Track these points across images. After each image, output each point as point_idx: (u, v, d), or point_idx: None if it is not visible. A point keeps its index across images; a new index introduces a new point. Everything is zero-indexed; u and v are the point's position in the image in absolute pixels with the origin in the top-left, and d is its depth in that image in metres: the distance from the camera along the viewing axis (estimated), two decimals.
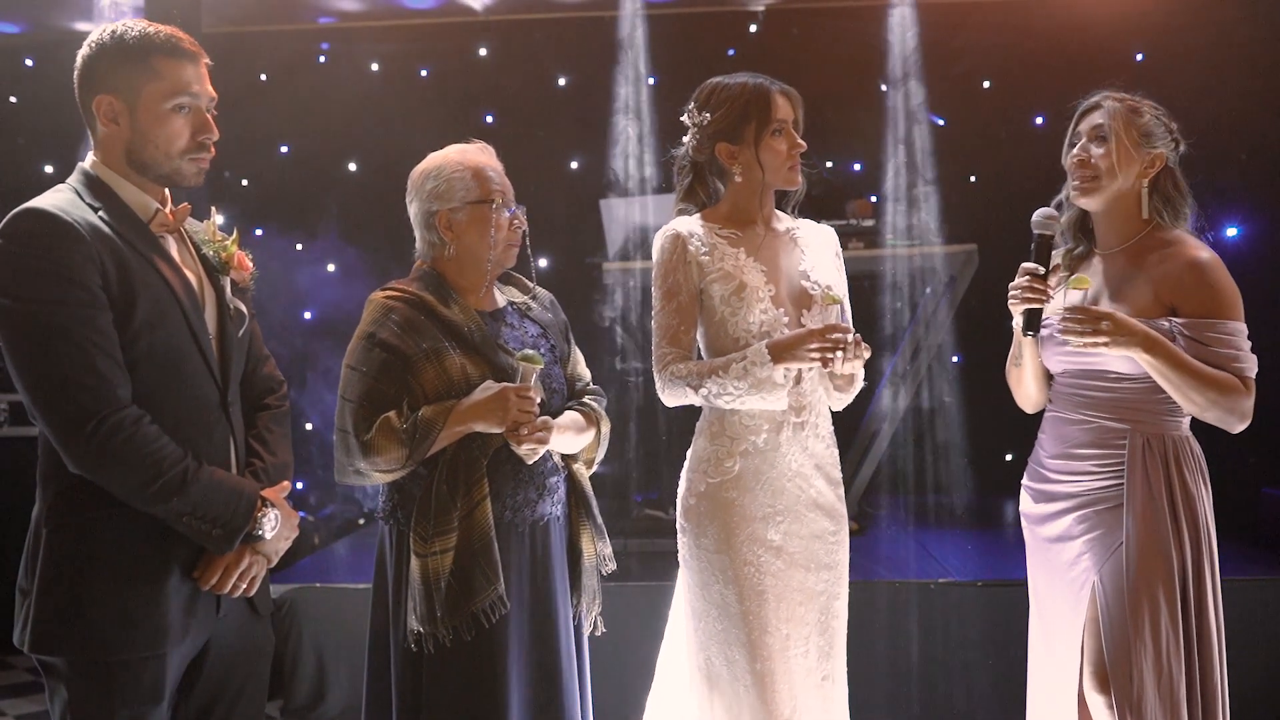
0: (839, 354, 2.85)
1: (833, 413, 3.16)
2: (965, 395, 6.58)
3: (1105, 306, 2.93)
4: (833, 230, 3.25)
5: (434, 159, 2.96)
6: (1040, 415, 3.24)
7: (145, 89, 2.39)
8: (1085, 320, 2.82)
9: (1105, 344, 2.81)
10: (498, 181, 2.94)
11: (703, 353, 3.08)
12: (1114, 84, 3.06)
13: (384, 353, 2.80)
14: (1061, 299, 2.97)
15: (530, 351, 2.81)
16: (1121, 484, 2.94)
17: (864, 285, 6.36)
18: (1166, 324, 2.88)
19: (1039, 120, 6.63)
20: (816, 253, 3.15)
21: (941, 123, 6.72)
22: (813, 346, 2.86)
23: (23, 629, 2.36)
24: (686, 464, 3.11)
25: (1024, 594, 3.22)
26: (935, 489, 6.60)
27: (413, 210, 2.96)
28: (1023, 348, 3.13)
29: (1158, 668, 2.84)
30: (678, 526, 3.10)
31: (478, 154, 2.96)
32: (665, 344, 3.01)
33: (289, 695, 5.05)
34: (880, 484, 6.52)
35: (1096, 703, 2.92)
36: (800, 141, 3.04)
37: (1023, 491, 3.21)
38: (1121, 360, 2.90)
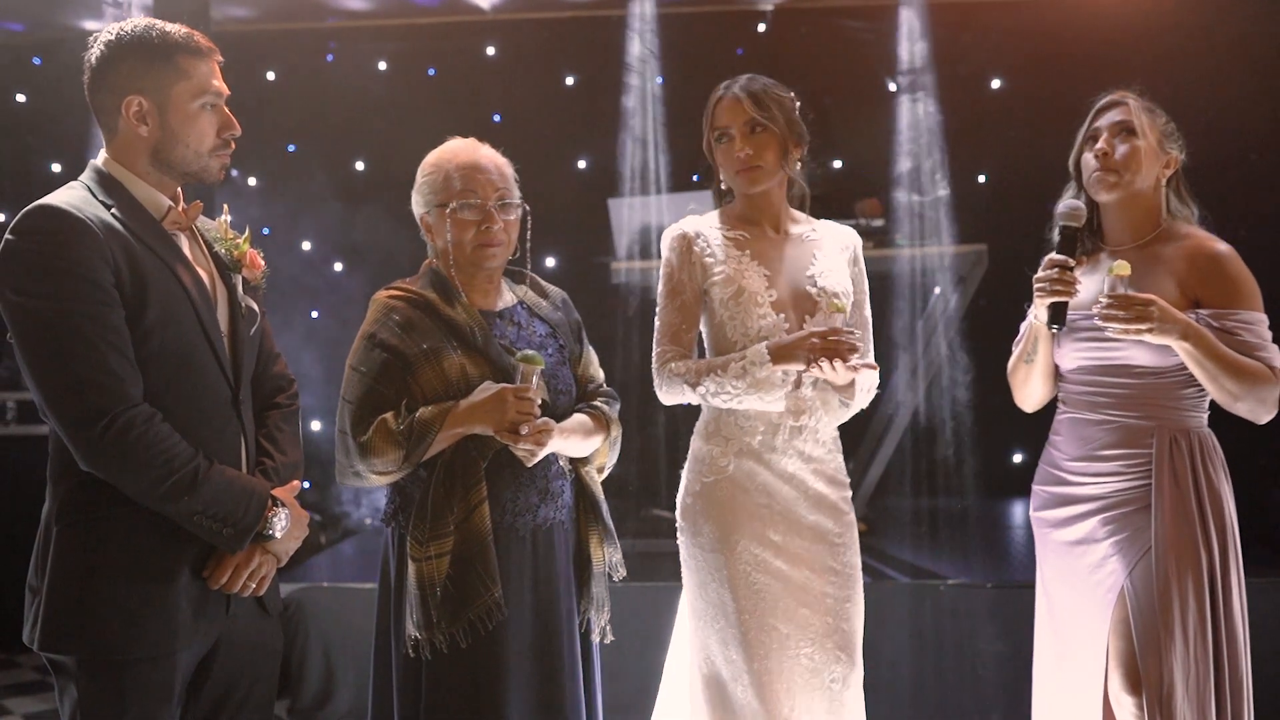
0: (829, 359, 2.81)
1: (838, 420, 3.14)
2: (974, 396, 6.56)
3: None
4: (852, 231, 3.22)
5: (424, 161, 2.93)
6: (1048, 416, 3.22)
7: (174, 88, 2.40)
8: (1130, 306, 2.79)
9: (1149, 330, 2.78)
10: (464, 182, 2.84)
11: (707, 352, 3.08)
12: (1132, 85, 3.07)
13: (384, 353, 2.77)
14: (1083, 293, 2.96)
15: (530, 352, 2.76)
16: (1147, 484, 2.92)
17: (873, 285, 6.31)
18: (1193, 316, 2.88)
19: (1049, 119, 6.61)
20: (829, 256, 3.12)
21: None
22: (809, 348, 2.84)
23: (32, 627, 2.36)
24: (687, 463, 3.12)
25: (1034, 596, 3.20)
26: (944, 490, 6.58)
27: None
28: (1038, 343, 3.08)
29: (1186, 666, 2.84)
30: (677, 526, 3.10)
31: (455, 154, 2.89)
32: (666, 342, 3.02)
33: (296, 695, 5.05)
34: (889, 485, 6.51)
35: (1125, 704, 2.91)
36: (742, 148, 2.98)
37: (1034, 494, 3.19)
38: (1147, 352, 2.90)
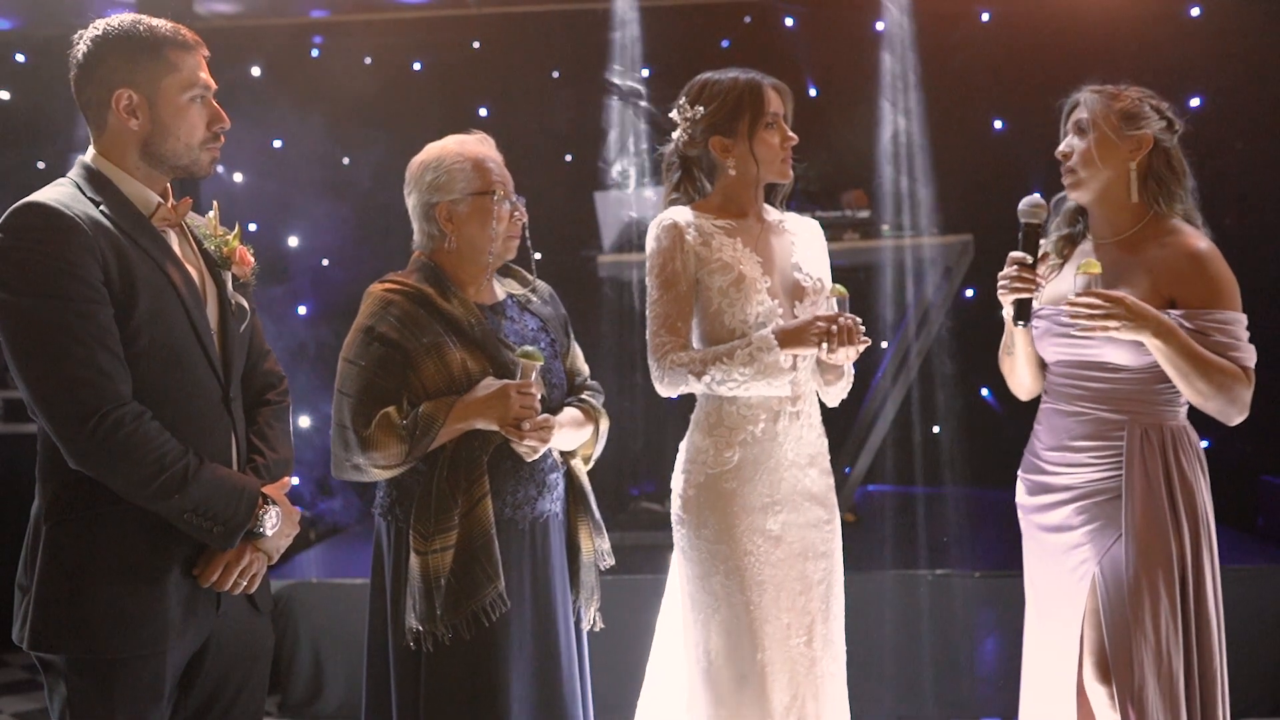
0: (839, 340, 2.83)
1: (827, 405, 3.16)
2: (961, 386, 6.58)
3: None
4: (817, 223, 3.26)
5: (433, 150, 2.94)
6: (1036, 405, 3.24)
7: (163, 82, 2.39)
8: (1098, 305, 2.79)
9: (1117, 329, 2.78)
10: (498, 173, 2.91)
11: (696, 344, 3.06)
12: (1095, 78, 3.07)
13: (383, 347, 2.78)
14: (1056, 286, 2.98)
15: (531, 348, 2.79)
16: (1120, 475, 2.93)
17: (859, 276, 6.35)
18: (1167, 315, 2.87)
19: (1035, 110, 6.62)
20: (806, 244, 3.16)
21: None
22: (819, 331, 2.84)
23: (22, 626, 2.35)
24: (682, 456, 3.10)
25: (1022, 585, 3.22)
26: (931, 479, 6.60)
27: (411, 202, 2.94)
28: (1014, 337, 3.11)
29: (1157, 658, 2.85)
30: (674, 519, 3.09)
31: (477, 145, 2.94)
32: (664, 333, 2.98)
33: (286, 690, 5.05)
34: (877, 474, 6.53)
35: (1098, 693, 2.93)
36: (792, 135, 3.05)
37: (1018, 482, 3.21)
38: (1121, 351, 2.90)
